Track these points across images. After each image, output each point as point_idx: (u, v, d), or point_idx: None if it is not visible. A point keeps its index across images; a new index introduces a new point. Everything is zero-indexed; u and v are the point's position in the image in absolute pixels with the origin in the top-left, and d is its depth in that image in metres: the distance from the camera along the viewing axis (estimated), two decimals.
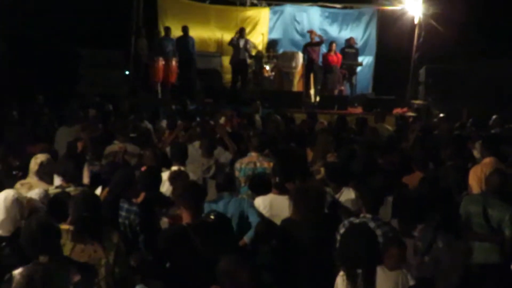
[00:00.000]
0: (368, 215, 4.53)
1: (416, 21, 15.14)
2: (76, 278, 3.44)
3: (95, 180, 5.81)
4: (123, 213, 4.75)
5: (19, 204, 4.18)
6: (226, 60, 15.69)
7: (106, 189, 5.17)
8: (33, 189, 4.97)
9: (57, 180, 5.40)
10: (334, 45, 15.23)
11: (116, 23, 13.99)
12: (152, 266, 4.04)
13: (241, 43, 14.71)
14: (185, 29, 14.84)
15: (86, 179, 5.98)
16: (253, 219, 5.04)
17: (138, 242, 4.64)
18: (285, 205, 5.08)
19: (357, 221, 4.49)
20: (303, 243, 4.38)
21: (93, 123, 9.06)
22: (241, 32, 14.85)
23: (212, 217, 4.28)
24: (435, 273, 4.31)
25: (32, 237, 3.50)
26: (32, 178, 5.42)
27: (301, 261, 4.37)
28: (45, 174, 5.41)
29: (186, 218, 4.17)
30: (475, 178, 6.02)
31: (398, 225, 4.77)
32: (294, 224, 4.52)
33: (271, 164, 6.04)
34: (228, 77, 15.66)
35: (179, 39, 14.82)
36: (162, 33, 15.65)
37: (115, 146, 7.12)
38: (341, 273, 3.94)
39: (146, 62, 14.83)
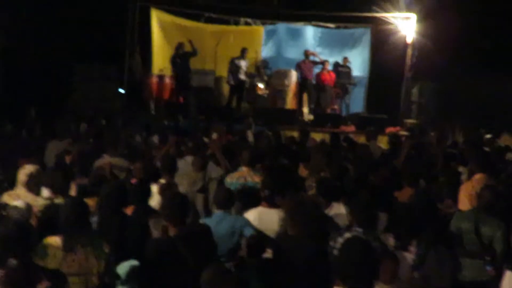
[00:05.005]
0: (359, 229, 4.49)
1: (409, 40, 15.22)
2: (44, 284, 3.32)
3: (82, 193, 5.74)
4: None
5: None
6: (219, 78, 15.71)
7: (91, 200, 5.11)
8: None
9: (45, 192, 5.35)
10: (327, 63, 15.36)
11: (110, 38, 14.01)
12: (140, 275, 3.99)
13: (243, 64, 14.78)
14: (180, 47, 14.85)
15: (73, 192, 5.91)
16: None
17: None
18: (274, 219, 5.04)
19: (349, 235, 4.42)
20: (301, 258, 4.26)
21: (84, 138, 9.03)
22: (242, 53, 14.88)
23: None
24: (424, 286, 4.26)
25: (7, 237, 3.38)
26: (20, 189, 5.34)
27: (297, 276, 4.25)
28: (33, 185, 5.34)
29: (171, 230, 4.13)
30: (466, 195, 6.00)
31: (393, 240, 4.71)
32: (291, 239, 4.39)
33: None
34: (221, 94, 15.67)
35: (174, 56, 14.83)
36: (157, 51, 15.70)
37: (104, 160, 7.08)
38: None
39: (140, 78, 14.85)
